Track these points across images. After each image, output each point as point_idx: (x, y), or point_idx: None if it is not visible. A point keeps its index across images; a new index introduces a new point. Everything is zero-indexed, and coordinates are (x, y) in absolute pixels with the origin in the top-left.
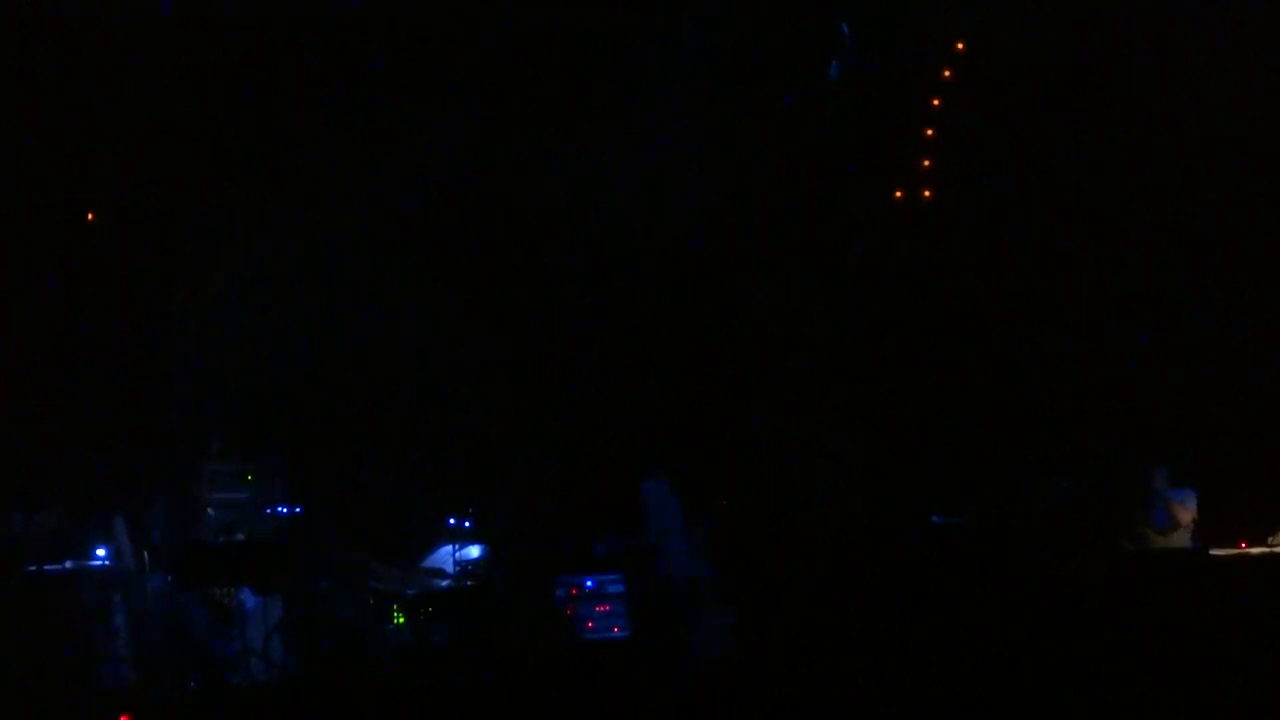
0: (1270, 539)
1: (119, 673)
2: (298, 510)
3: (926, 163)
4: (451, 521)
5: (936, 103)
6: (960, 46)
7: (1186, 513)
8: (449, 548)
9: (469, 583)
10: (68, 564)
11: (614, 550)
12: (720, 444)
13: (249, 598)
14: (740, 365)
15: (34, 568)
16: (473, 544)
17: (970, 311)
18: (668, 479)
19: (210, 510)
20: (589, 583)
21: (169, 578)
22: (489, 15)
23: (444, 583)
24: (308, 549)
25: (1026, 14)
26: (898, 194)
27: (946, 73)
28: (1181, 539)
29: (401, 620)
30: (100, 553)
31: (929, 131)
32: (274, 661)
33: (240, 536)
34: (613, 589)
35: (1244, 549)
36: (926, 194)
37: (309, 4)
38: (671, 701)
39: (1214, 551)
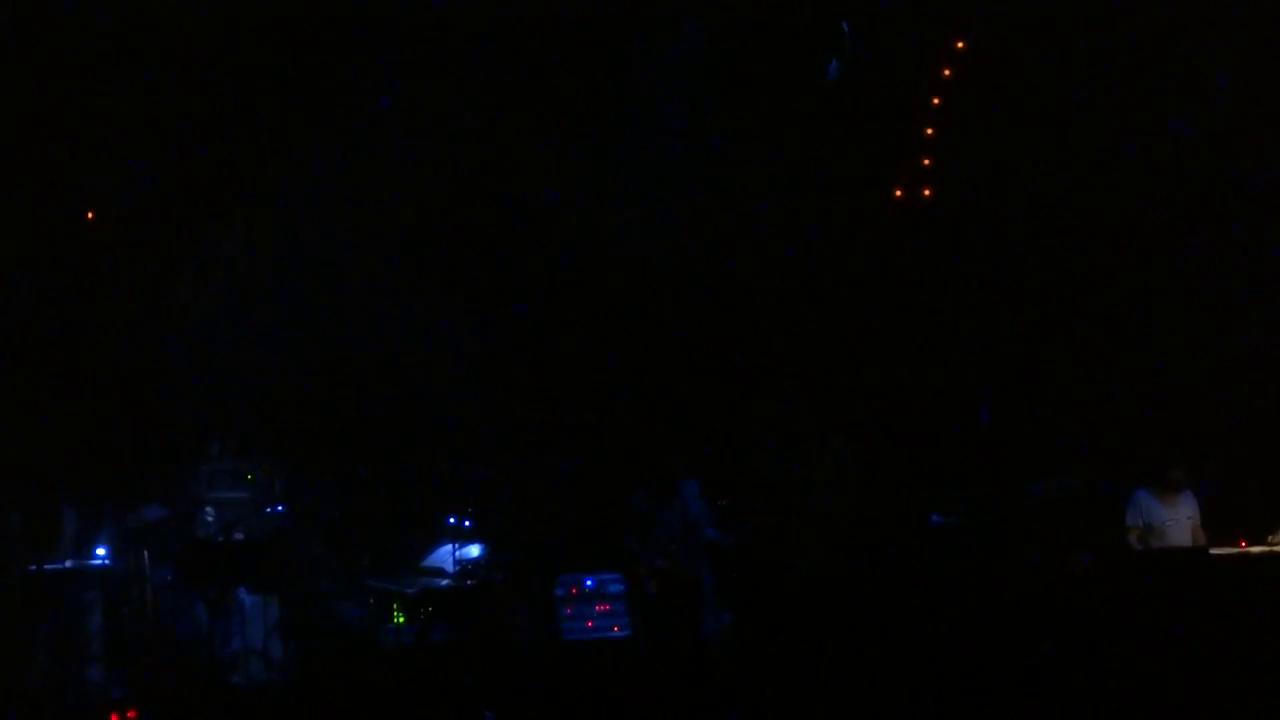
0: (1270, 539)
1: (110, 672)
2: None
3: (926, 162)
4: (451, 521)
5: (936, 102)
6: (960, 46)
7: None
8: (449, 547)
9: (469, 582)
10: (68, 564)
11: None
12: (719, 444)
13: (248, 597)
14: (739, 365)
15: (34, 567)
16: (473, 544)
17: (970, 311)
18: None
19: (210, 510)
20: (589, 582)
21: (169, 577)
22: (488, 14)
23: (444, 582)
24: (307, 549)
25: (1026, 14)
26: (898, 194)
27: (946, 72)
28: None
29: (401, 620)
30: (100, 552)
31: (929, 131)
32: (274, 661)
33: (240, 536)
34: (613, 589)
35: (1244, 549)
36: (926, 193)
37: (309, 3)
38: (671, 701)
39: (1214, 551)
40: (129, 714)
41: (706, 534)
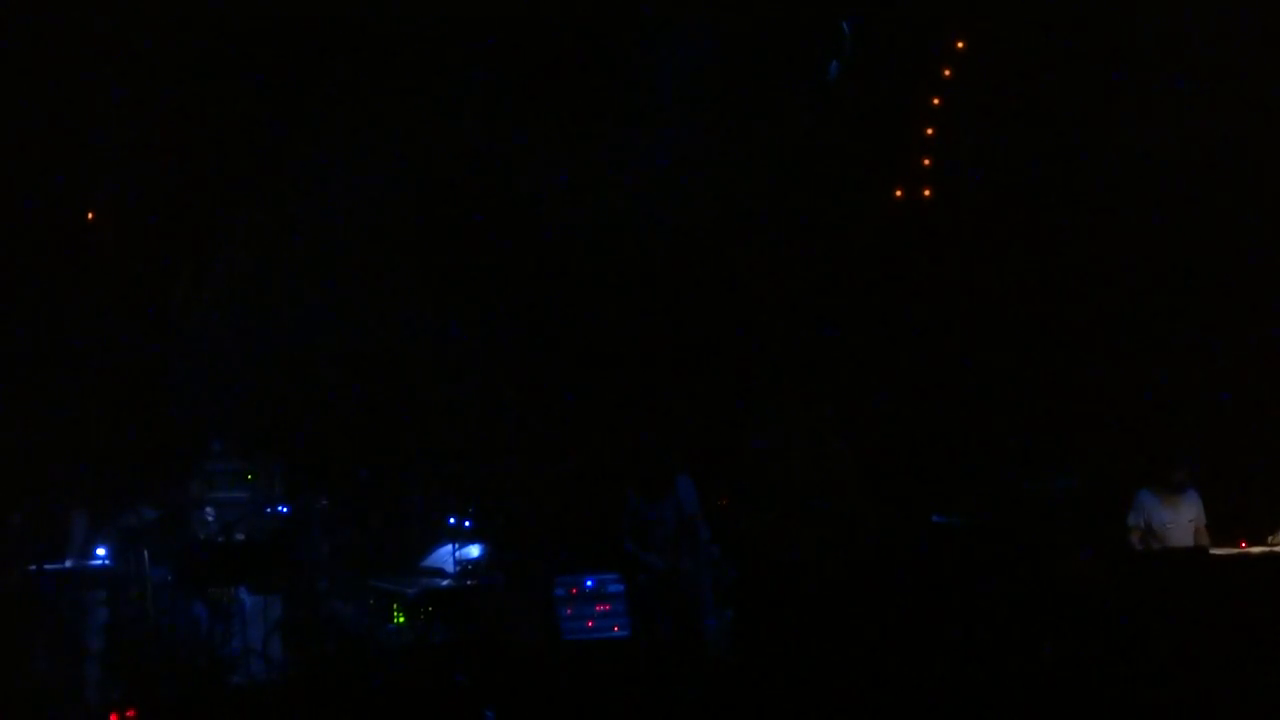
0: (1270, 539)
1: (109, 672)
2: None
3: (926, 162)
4: (452, 521)
5: (936, 102)
6: (960, 46)
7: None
8: (449, 547)
9: (469, 582)
10: (68, 563)
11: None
12: (719, 444)
13: (248, 597)
14: (739, 365)
15: (34, 567)
16: (473, 544)
17: (970, 310)
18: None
19: (210, 510)
20: (589, 582)
21: (169, 577)
22: (488, 9)
23: (444, 582)
24: (307, 549)
25: (1027, 13)
26: (898, 193)
27: (946, 72)
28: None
29: (402, 620)
30: (100, 552)
31: (929, 131)
32: (274, 661)
33: (240, 536)
34: (613, 588)
35: (1244, 549)
36: (926, 193)
37: (307, 3)
38: (671, 702)
39: (1214, 551)
40: (128, 714)
41: (702, 536)
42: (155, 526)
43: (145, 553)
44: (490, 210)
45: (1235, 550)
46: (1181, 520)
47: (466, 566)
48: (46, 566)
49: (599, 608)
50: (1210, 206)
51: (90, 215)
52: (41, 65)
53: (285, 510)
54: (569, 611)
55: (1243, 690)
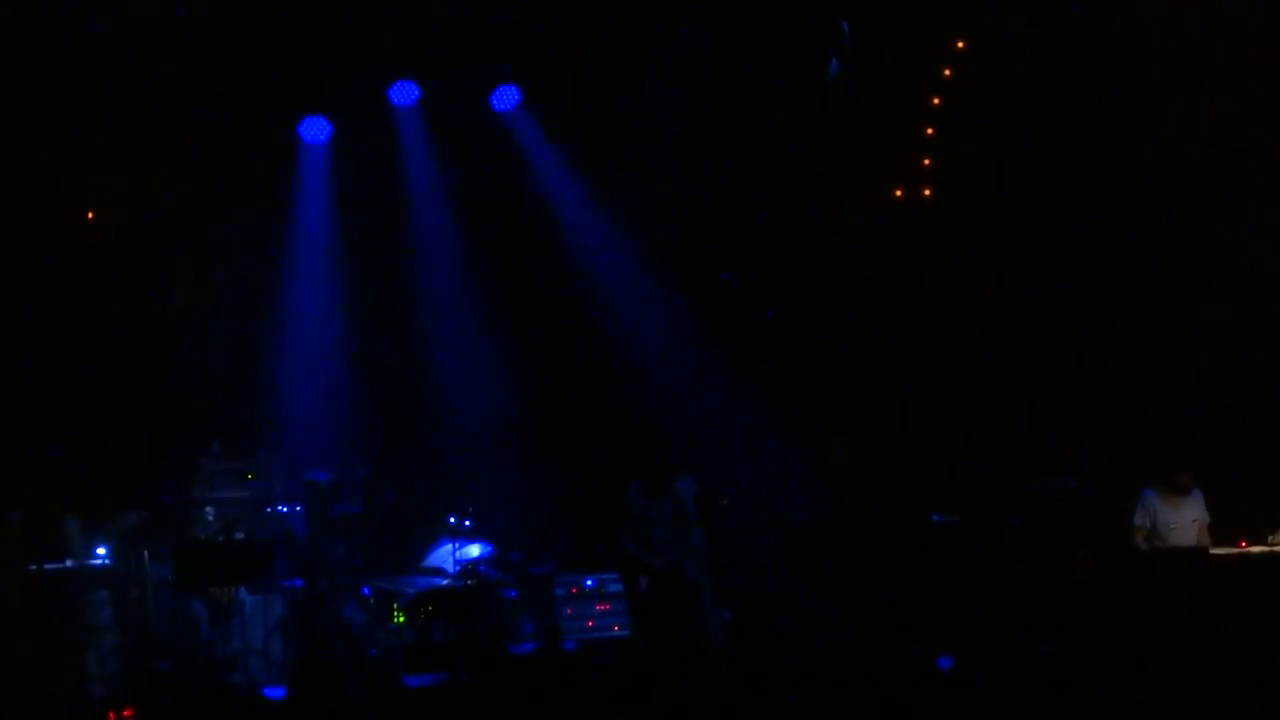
0: (1270, 539)
1: (109, 670)
2: (298, 509)
3: (926, 162)
4: (452, 520)
5: (936, 102)
6: (960, 46)
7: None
8: (449, 547)
9: (469, 582)
10: (68, 563)
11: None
12: (720, 444)
13: (249, 597)
14: (739, 364)
15: (34, 567)
16: (473, 544)
17: (970, 310)
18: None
19: (210, 510)
20: (589, 582)
21: (168, 576)
22: (491, 6)
23: (444, 581)
24: (308, 548)
25: (1027, 14)
26: (898, 193)
27: (946, 72)
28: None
29: (401, 620)
30: (100, 552)
31: (929, 130)
32: (274, 661)
33: (240, 536)
34: (613, 588)
35: (1244, 548)
36: (926, 193)
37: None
38: (671, 702)
39: (1214, 551)
40: (126, 713)
41: (697, 537)
42: (149, 525)
43: (145, 553)
44: (491, 208)
45: (1235, 550)
46: (1185, 521)
47: (466, 566)
48: (46, 566)
49: (599, 607)
50: (1211, 206)
51: (90, 215)
52: (42, 64)
53: (284, 509)
54: (569, 611)
55: (1243, 690)
